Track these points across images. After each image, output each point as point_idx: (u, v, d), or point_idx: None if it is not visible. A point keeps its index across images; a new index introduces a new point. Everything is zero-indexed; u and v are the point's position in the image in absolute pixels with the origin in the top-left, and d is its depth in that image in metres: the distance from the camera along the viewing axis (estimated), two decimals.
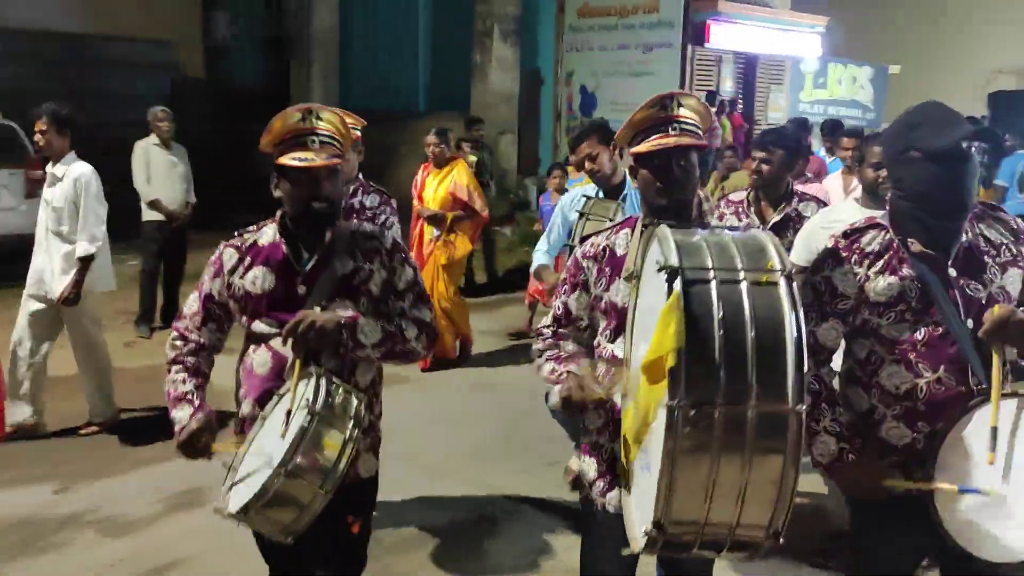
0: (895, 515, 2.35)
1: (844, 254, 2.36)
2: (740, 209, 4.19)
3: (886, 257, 2.32)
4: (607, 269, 2.36)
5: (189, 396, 2.47)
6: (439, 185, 6.83)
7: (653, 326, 1.88)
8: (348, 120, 3.70)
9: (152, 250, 7.50)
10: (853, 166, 4.71)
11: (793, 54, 15.29)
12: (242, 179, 12.83)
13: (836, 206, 4.05)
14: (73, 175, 5.00)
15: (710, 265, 1.80)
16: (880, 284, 2.30)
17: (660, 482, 1.71)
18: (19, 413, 5.07)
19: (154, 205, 7.35)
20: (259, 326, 2.45)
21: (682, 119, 2.27)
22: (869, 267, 2.33)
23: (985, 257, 2.31)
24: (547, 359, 2.43)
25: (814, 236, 3.54)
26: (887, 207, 2.40)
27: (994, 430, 2.12)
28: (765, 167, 4.06)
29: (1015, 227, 2.38)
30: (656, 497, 1.73)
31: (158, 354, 6.71)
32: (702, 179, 4.60)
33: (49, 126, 4.95)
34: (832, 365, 2.43)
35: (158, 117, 7.42)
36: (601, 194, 4.02)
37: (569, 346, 2.46)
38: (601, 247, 2.39)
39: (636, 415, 1.97)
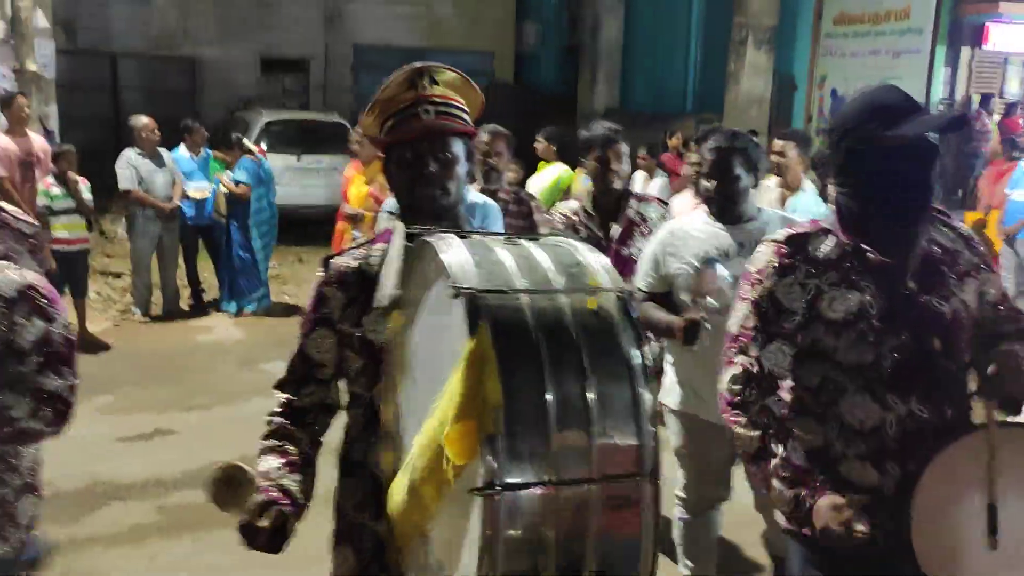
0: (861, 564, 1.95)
1: (788, 262, 2.00)
2: (577, 223, 3.70)
3: (844, 268, 1.97)
4: (361, 297, 1.83)
5: None
6: (362, 184, 6.55)
7: (439, 375, 1.37)
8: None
9: None
10: None
11: None
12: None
13: (683, 220, 3.33)
14: None
15: (520, 287, 1.33)
16: (837, 299, 1.95)
17: None
18: None
19: None
20: None
21: (438, 99, 1.83)
22: (821, 278, 1.97)
23: (943, 267, 1.99)
24: (269, 449, 1.85)
25: (664, 259, 3.11)
26: (835, 207, 2.07)
27: (992, 508, 1.77)
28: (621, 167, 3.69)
29: (964, 233, 2.07)
30: None
31: None
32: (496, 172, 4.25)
33: None
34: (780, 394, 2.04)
35: None
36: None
37: (298, 443, 1.87)
38: (351, 269, 1.88)
39: (416, 497, 1.42)
